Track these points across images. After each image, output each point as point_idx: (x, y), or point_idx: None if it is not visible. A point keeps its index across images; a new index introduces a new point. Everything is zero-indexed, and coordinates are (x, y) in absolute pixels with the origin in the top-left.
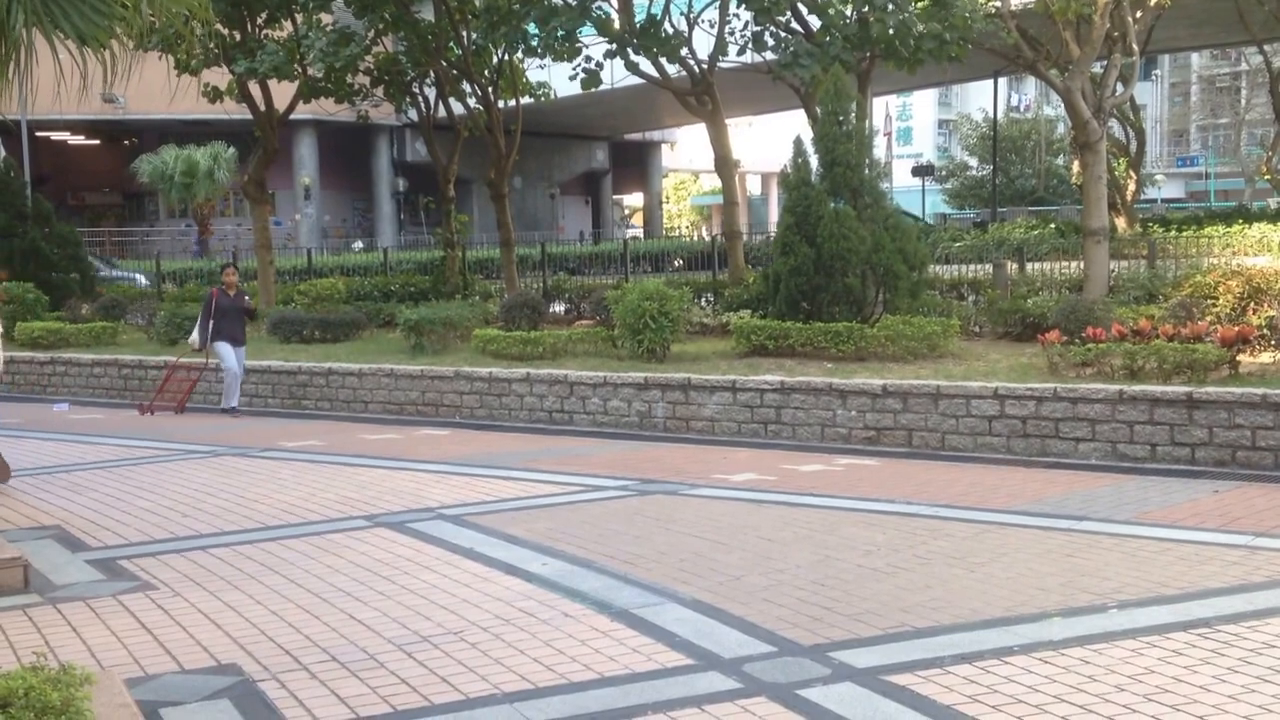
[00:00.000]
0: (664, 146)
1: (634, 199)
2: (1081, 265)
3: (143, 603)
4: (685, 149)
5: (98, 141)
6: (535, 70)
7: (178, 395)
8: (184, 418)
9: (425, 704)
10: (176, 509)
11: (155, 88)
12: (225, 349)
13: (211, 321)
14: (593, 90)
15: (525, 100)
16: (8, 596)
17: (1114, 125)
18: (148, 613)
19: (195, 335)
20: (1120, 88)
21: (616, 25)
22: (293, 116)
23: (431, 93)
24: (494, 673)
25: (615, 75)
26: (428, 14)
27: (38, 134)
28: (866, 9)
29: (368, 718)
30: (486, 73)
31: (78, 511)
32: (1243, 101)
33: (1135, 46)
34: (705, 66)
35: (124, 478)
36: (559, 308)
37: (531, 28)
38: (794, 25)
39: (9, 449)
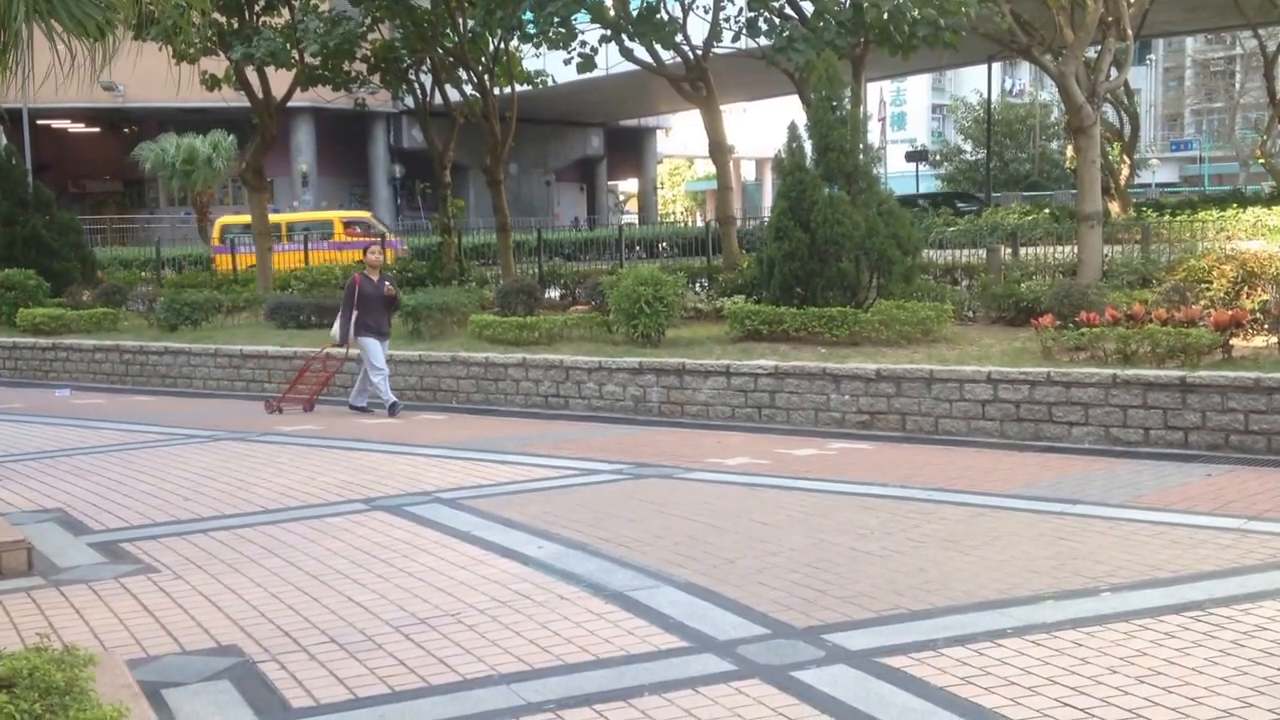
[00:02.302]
0: (659, 133)
1: (629, 185)
2: (1075, 250)
3: (144, 585)
4: (680, 135)
5: (98, 129)
6: (531, 57)
7: (309, 390)
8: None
9: (423, 685)
10: (178, 493)
11: (155, 76)
12: (373, 345)
13: (355, 312)
14: (588, 76)
15: (521, 87)
16: (11, 579)
17: (1108, 110)
18: (149, 595)
19: (336, 327)
20: (1114, 72)
21: (611, 12)
22: (290, 104)
23: (428, 80)
24: (491, 654)
25: (610, 61)
26: (424, 0)
27: (38, 122)
28: None
29: (366, 698)
30: (483, 60)
31: (80, 495)
32: (1237, 85)
33: (1129, 31)
34: (700, 52)
35: (125, 462)
36: (554, 293)
37: (527, 15)
38: (788, 10)
39: (11, 433)
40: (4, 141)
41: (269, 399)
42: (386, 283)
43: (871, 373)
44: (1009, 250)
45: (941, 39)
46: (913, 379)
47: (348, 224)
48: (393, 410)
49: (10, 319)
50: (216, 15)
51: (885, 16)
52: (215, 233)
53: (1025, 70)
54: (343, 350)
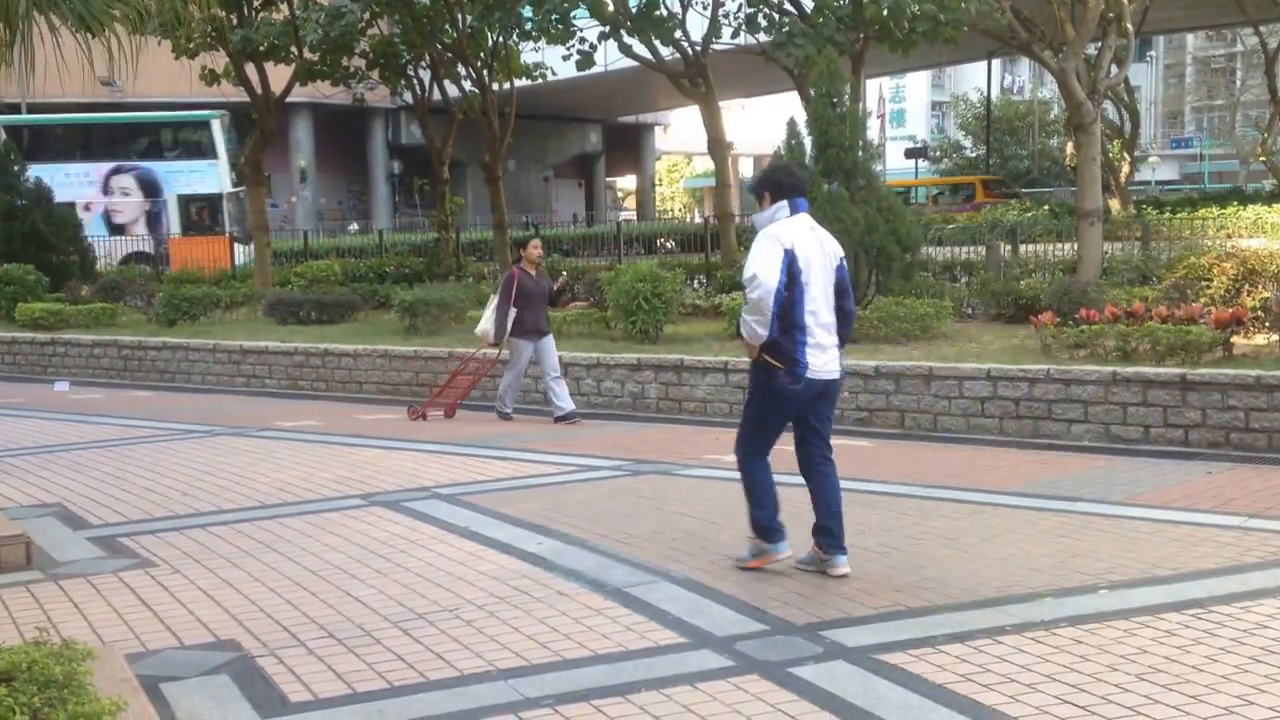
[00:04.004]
0: (657, 129)
1: (627, 182)
2: (1075, 247)
3: (143, 579)
4: (678, 132)
5: None
6: (530, 53)
7: (453, 395)
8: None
9: (421, 680)
10: (176, 488)
11: (153, 71)
12: (523, 348)
13: (513, 310)
14: (586, 73)
15: (520, 83)
16: (10, 573)
17: (1108, 107)
18: (148, 589)
19: (489, 325)
20: (1115, 69)
21: (610, 8)
22: (289, 100)
23: (426, 76)
24: (489, 650)
25: (609, 57)
26: None
27: None
28: None
29: (364, 693)
30: (481, 55)
31: (79, 490)
32: (1238, 83)
33: (1130, 27)
34: (699, 48)
35: (124, 457)
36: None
37: (526, 11)
38: (788, 6)
39: (10, 428)
40: (3, 136)
41: (412, 404)
42: (558, 279)
43: (870, 369)
44: (1008, 247)
45: (941, 35)
46: (912, 376)
47: (987, 185)
48: (567, 418)
49: (9, 314)
50: (216, 10)
51: (885, 12)
52: None
53: (1025, 67)
54: (494, 351)
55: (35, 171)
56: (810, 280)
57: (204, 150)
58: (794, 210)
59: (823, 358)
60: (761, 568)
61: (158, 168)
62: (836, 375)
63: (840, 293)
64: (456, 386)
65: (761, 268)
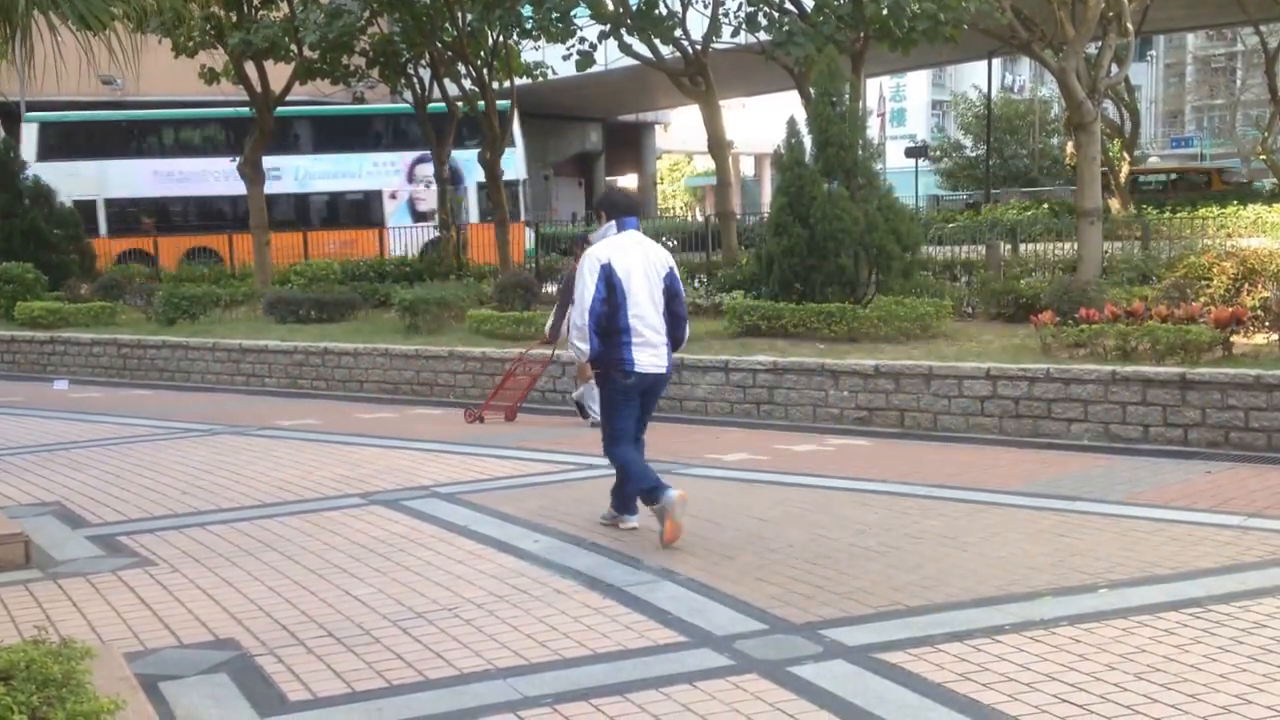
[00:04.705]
0: (657, 128)
1: (628, 180)
2: (1075, 246)
3: (142, 578)
4: (679, 130)
5: None
6: (530, 51)
7: (511, 397)
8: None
9: (420, 679)
10: (175, 486)
11: (153, 69)
12: None
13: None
14: (587, 72)
15: (520, 81)
16: (9, 572)
17: (1108, 106)
18: (147, 588)
19: (551, 322)
20: (1115, 68)
21: (610, 6)
22: (288, 98)
23: (426, 74)
24: (488, 648)
25: (609, 56)
26: None
27: None
28: None
29: (363, 692)
30: (482, 54)
31: (78, 488)
32: (1238, 82)
33: (1130, 27)
34: (699, 47)
35: (123, 455)
36: (552, 288)
37: (526, 10)
38: (788, 5)
39: (9, 427)
40: (2, 134)
41: (469, 407)
42: None
43: (870, 369)
44: (1008, 246)
45: (941, 34)
46: (911, 375)
47: (1220, 171)
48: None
49: (8, 312)
50: (216, 9)
51: (885, 11)
52: None
53: (1026, 66)
54: (549, 350)
55: (339, 160)
56: (631, 288)
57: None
58: (621, 228)
59: (650, 355)
60: (615, 526)
61: (459, 156)
62: (663, 370)
63: (671, 297)
64: (514, 387)
65: (580, 294)
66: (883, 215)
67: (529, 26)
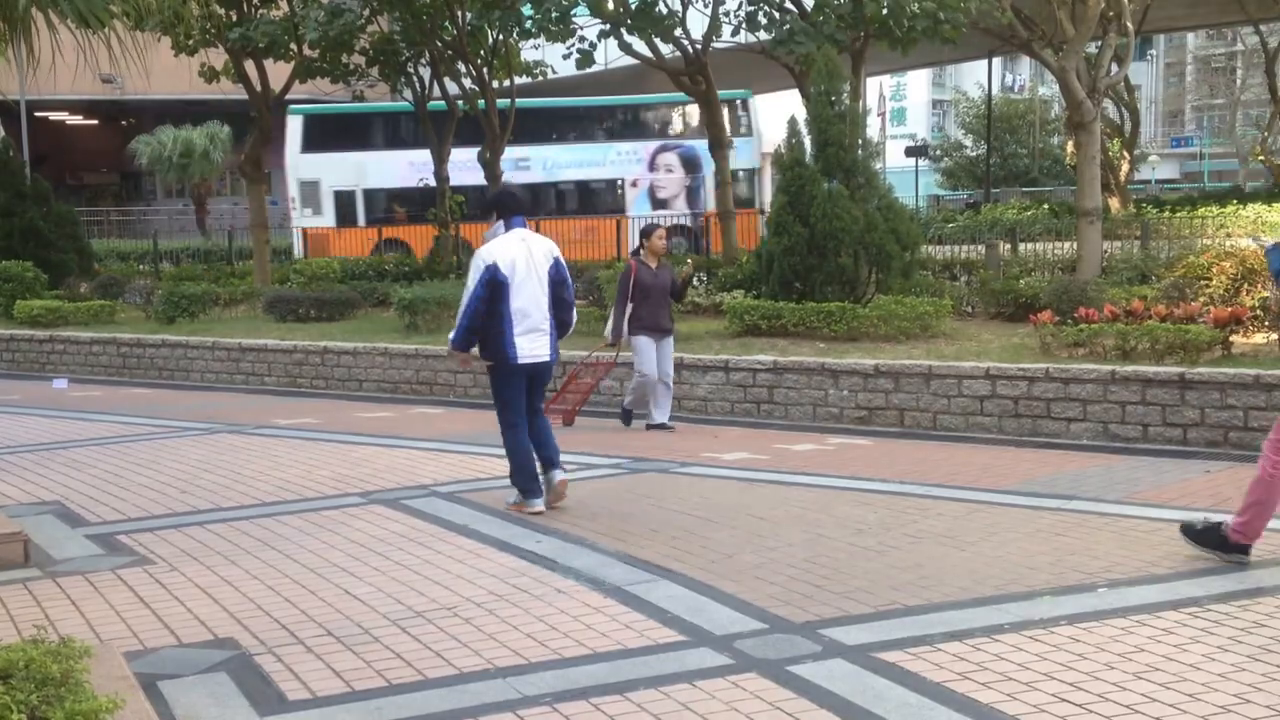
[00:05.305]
0: None
1: None
2: (1074, 246)
3: (141, 577)
4: None
5: (95, 121)
6: (530, 50)
7: (572, 401)
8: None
9: (419, 678)
10: (174, 485)
11: (152, 68)
12: (646, 345)
13: (630, 305)
14: (587, 71)
15: (520, 80)
16: (8, 570)
17: (1108, 106)
18: (146, 587)
19: (611, 325)
20: (1115, 68)
21: (610, 5)
22: (288, 97)
23: (426, 73)
24: (487, 648)
25: (609, 55)
26: None
27: (36, 114)
28: None
29: (363, 691)
30: (481, 53)
31: (77, 487)
32: (1238, 82)
33: (1130, 26)
34: (699, 46)
35: (122, 454)
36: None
37: (526, 9)
38: (788, 4)
39: (8, 425)
40: (1, 133)
41: (559, 412)
42: (674, 270)
43: (870, 368)
44: (1008, 246)
45: (941, 33)
46: (911, 374)
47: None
48: (661, 428)
49: (7, 311)
50: (215, 7)
51: (885, 10)
52: None
53: (1026, 65)
54: (613, 353)
55: (584, 149)
56: (517, 282)
57: (741, 127)
58: (509, 226)
59: (533, 342)
60: (520, 512)
61: (699, 145)
62: (547, 358)
63: (557, 284)
64: (575, 391)
65: (465, 295)
66: (882, 215)
67: (528, 25)
